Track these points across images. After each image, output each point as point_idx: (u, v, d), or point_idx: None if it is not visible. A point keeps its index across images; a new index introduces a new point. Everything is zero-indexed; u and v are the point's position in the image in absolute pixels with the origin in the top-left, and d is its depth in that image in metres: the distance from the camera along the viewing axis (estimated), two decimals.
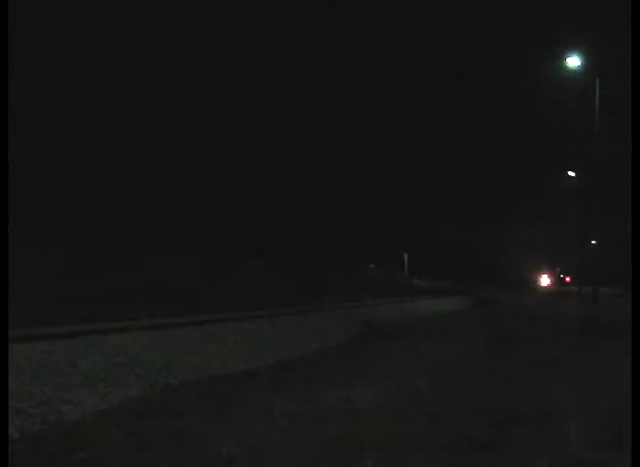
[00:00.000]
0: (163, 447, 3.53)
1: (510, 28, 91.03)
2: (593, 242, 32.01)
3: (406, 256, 63.71)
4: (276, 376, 6.14)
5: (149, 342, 7.27)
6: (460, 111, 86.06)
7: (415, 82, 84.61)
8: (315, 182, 47.56)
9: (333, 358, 7.58)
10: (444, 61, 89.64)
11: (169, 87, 35.22)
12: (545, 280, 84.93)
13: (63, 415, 4.39)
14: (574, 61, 22.13)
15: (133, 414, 4.40)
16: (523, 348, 8.13)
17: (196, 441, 3.64)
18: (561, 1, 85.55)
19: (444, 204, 71.66)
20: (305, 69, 63.62)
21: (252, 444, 3.53)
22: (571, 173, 40.57)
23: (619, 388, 4.79)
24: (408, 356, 7.48)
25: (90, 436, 3.83)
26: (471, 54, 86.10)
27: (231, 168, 37.92)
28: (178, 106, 35.61)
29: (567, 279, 79.17)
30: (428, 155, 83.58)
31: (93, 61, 30.98)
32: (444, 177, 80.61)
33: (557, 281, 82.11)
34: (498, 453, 3.35)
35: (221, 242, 31.11)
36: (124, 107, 31.53)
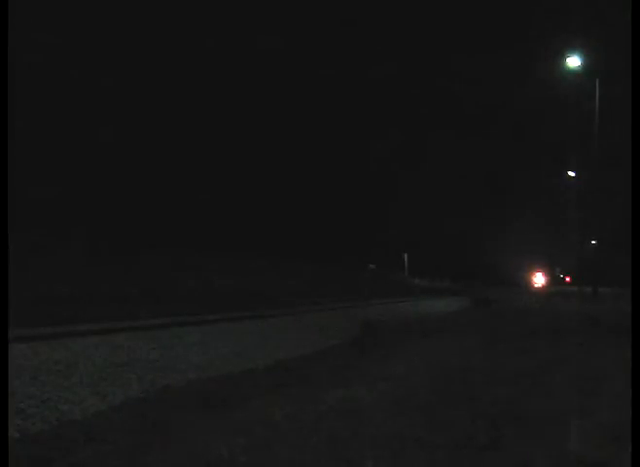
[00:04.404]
0: (164, 447, 3.52)
1: (510, 27, 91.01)
2: (593, 242, 32.04)
3: (405, 256, 63.71)
4: (276, 375, 6.14)
5: (149, 342, 7.28)
6: (459, 112, 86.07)
7: (413, 79, 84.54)
8: (315, 182, 47.56)
9: (333, 358, 7.57)
10: (444, 60, 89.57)
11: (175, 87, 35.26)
12: (539, 279, 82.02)
13: (63, 415, 4.39)
14: (574, 61, 22.14)
15: (134, 414, 4.40)
16: (523, 349, 8.13)
17: (197, 441, 3.64)
18: (561, 1, 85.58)
19: (443, 205, 71.73)
20: (303, 66, 63.59)
21: (252, 444, 3.53)
22: (571, 173, 40.63)
23: (619, 389, 4.79)
24: (409, 356, 7.47)
25: (91, 436, 3.83)
26: (468, 54, 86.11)
27: (231, 167, 37.92)
28: (182, 106, 35.61)
29: (567, 279, 78.99)
30: (427, 155, 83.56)
31: (95, 62, 30.99)
32: (444, 177, 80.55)
33: (556, 281, 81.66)
34: (498, 453, 3.35)
35: (221, 242, 31.09)
36: (128, 108, 31.54)
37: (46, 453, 3.47)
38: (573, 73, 22.65)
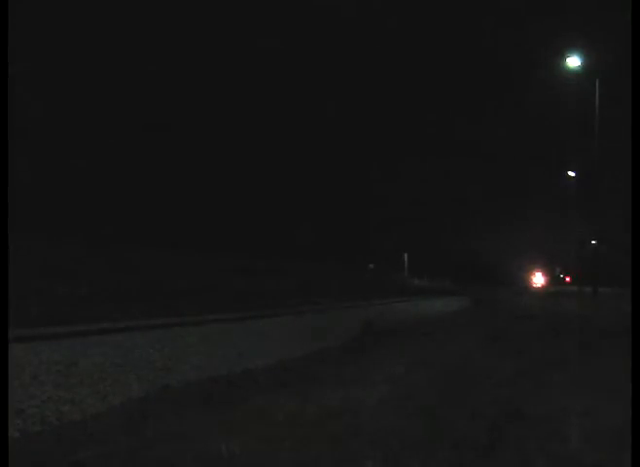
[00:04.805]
0: (164, 447, 3.53)
1: (510, 27, 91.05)
2: (593, 242, 32.02)
3: (406, 256, 63.65)
4: (276, 376, 6.14)
5: (149, 342, 7.28)
6: (458, 111, 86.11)
7: (415, 82, 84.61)
8: (316, 183, 47.59)
9: (333, 358, 7.57)
10: (444, 60, 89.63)
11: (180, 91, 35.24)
12: (539, 279, 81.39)
13: (63, 416, 4.39)
14: (574, 61, 22.12)
15: (134, 415, 4.40)
16: (522, 349, 8.13)
17: (196, 441, 3.64)
18: (562, 1, 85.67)
19: (442, 205, 71.81)
20: (307, 70, 63.65)
21: (252, 443, 3.53)
22: (571, 173, 40.62)
23: (619, 389, 4.79)
24: (410, 356, 7.48)
25: (90, 436, 3.83)
26: (468, 55, 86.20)
27: (232, 169, 37.94)
28: (182, 108, 35.61)
29: (567, 279, 78.88)
30: (427, 156, 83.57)
31: (95, 61, 30.98)
32: (443, 178, 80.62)
33: (556, 280, 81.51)
34: (498, 453, 3.35)
35: (222, 243, 31.10)
36: (137, 109, 31.56)
37: (46, 453, 3.47)
38: (573, 73, 22.64)
